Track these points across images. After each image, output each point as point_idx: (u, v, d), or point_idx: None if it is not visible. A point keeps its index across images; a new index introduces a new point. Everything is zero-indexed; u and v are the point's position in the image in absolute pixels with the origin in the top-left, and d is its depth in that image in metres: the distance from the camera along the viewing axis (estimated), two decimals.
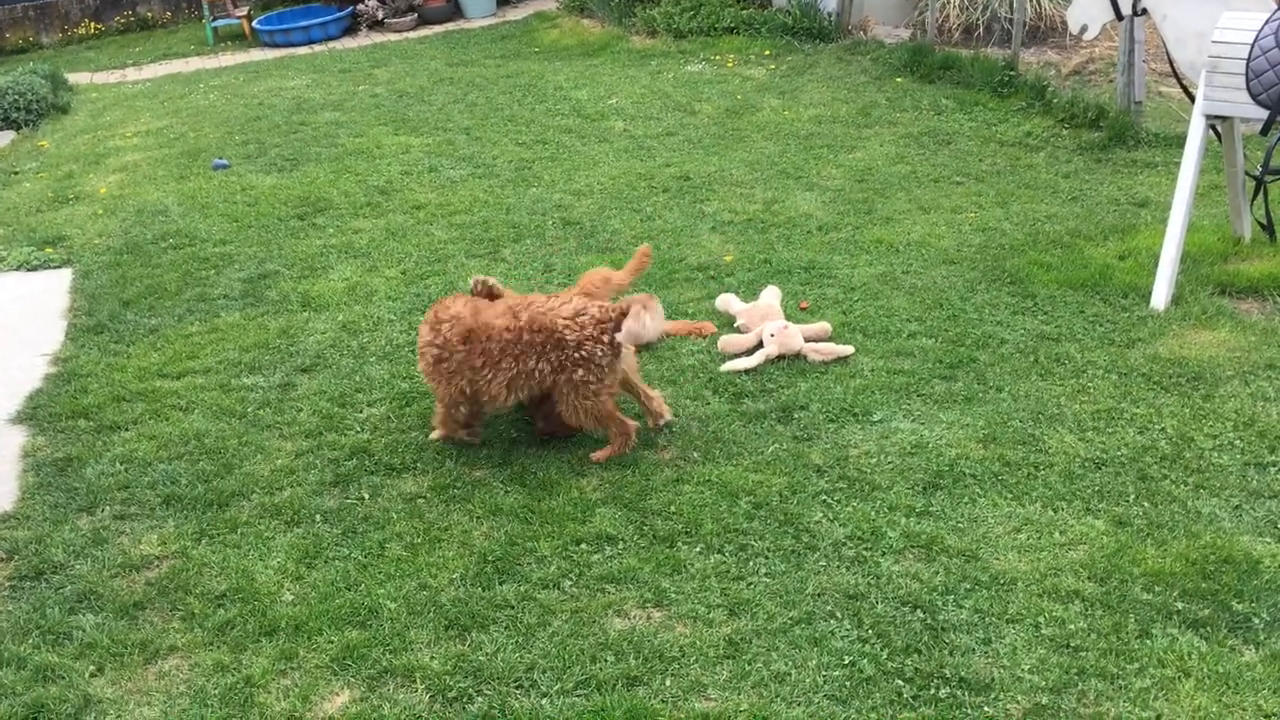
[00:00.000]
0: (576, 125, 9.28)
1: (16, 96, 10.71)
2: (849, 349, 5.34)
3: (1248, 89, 5.32)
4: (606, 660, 3.60)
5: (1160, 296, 5.55)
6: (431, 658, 3.66)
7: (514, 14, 14.38)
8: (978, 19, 10.23)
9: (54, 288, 6.82)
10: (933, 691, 3.41)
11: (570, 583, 3.98)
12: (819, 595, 3.83)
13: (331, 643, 3.76)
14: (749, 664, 3.56)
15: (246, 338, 5.95)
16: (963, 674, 3.46)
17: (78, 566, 4.24)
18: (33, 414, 5.35)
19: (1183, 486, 4.27)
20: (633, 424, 4.75)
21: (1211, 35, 5.45)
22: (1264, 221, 6.02)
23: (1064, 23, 8.68)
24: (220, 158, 9.00)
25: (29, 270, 7.15)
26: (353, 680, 3.61)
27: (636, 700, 3.43)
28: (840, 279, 6.15)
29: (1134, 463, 4.42)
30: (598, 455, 4.69)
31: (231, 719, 3.50)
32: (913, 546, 4.04)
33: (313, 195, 8.02)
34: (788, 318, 5.53)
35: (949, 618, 3.69)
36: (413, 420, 5.07)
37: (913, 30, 10.69)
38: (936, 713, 3.34)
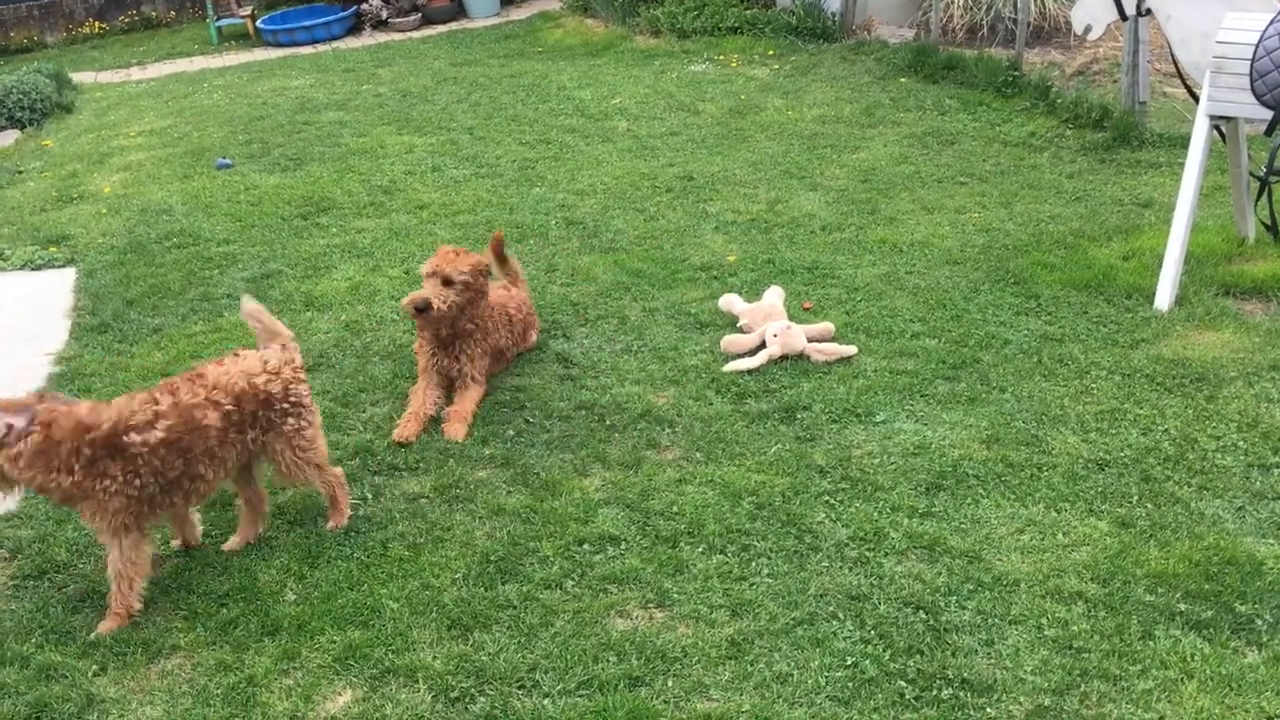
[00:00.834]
0: (580, 125, 9.28)
1: (21, 95, 10.72)
2: (852, 349, 5.34)
3: (1252, 89, 5.31)
4: (609, 660, 3.60)
5: (1164, 297, 5.54)
6: (434, 658, 3.66)
7: (518, 13, 14.38)
8: (982, 19, 10.23)
9: (58, 287, 6.83)
10: (935, 693, 3.41)
11: (573, 583, 3.98)
12: (821, 596, 3.83)
13: (334, 642, 3.76)
14: (751, 664, 3.56)
15: (250, 337, 5.93)
16: (965, 675, 3.45)
17: (81, 565, 4.25)
18: None
19: (1186, 488, 4.26)
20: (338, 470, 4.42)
21: (1216, 36, 5.44)
22: (1268, 222, 6.01)
23: (1068, 23, 8.66)
24: (224, 157, 9.01)
25: (33, 269, 7.16)
26: (355, 680, 3.61)
27: (639, 701, 3.43)
28: (843, 279, 6.15)
29: (1137, 464, 4.42)
30: (332, 525, 4.33)
31: (234, 718, 3.50)
32: (915, 547, 4.03)
33: (316, 195, 8.03)
34: (791, 318, 5.52)
35: (951, 619, 3.69)
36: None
37: (916, 30, 10.68)
38: (939, 714, 3.34)
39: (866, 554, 4.01)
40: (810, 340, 5.36)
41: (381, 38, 13.91)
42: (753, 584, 3.91)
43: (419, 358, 5.23)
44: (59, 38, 15.39)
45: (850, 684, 3.46)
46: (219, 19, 14.63)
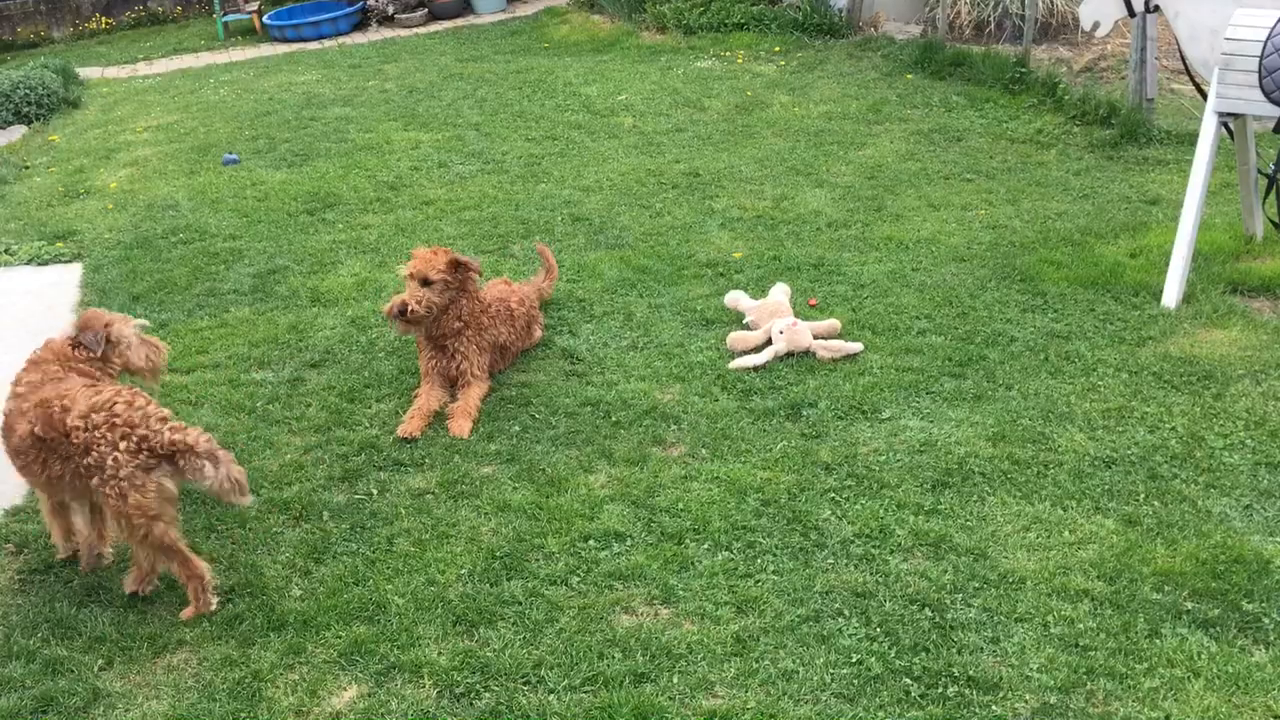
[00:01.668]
0: (586, 121, 9.27)
1: (27, 91, 10.73)
2: (858, 346, 5.33)
3: (1260, 86, 5.29)
4: (614, 657, 3.60)
5: (1171, 295, 5.53)
6: (439, 653, 3.66)
7: (524, 9, 14.37)
8: (989, 15, 10.20)
9: (64, 282, 6.84)
10: (941, 690, 3.40)
11: (578, 579, 3.98)
12: (827, 593, 3.82)
13: (339, 638, 3.76)
14: (756, 661, 3.56)
15: (256, 333, 5.96)
16: (971, 673, 3.45)
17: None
18: None
19: (1193, 486, 4.25)
20: (204, 564, 3.91)
21: (1224, 32, 5.42)
22: (1276, 220, 5.99)
23: (1076, 19, 8.64)
24: (230, 153, 9.01)
25: (40, 264, 7.17)
26: (360, 675, 3.62)
27: (644, 697, 3.43)
28: (849, 276, 6.14)
29: (1144, 462, 4.41)
30: (187, 615, 3.90)
31: (239, 713, 3.51)
32: (921, 545, 4.03)
33: (322, 190, 8.03)
34: (797, 315, 5.51)
35: (957, 616, 3.68)
36: None
37: (924, 26, 10.66)
38: (944, 711, 3.33)
39: (872, 551, 4.01)
40: (816, 337, 5.35)
41: (387, 33, 13.90)
42: (758, 581, 3.91)
43: (420, 361, 5.24)
44: (66, 33, 15.39)
45: (856, 681, 3.45)
46: (225, 14, 14.62)
